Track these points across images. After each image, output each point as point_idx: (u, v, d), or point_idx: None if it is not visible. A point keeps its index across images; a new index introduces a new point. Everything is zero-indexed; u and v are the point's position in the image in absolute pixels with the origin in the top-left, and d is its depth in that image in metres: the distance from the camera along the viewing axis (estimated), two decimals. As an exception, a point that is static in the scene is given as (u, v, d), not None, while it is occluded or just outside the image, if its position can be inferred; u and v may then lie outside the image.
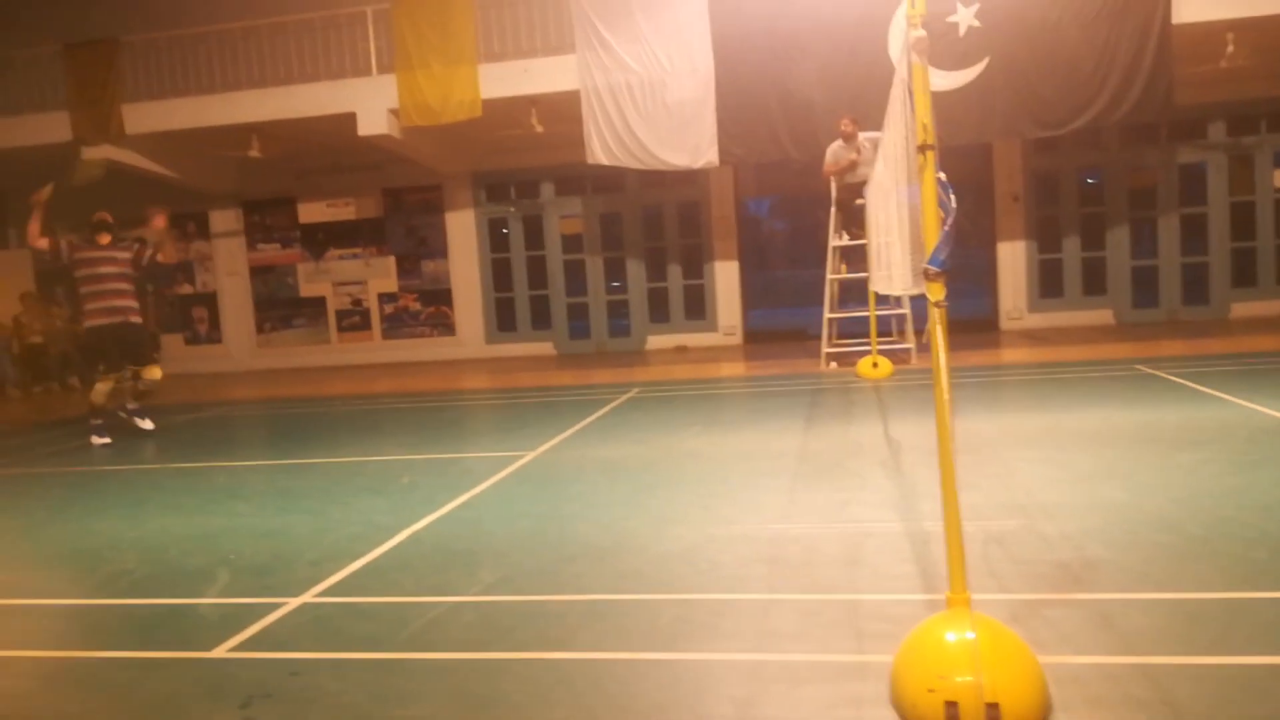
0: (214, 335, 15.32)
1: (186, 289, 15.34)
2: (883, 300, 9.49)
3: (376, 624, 3.23)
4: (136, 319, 8.06)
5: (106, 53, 12.49)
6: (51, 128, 12.55)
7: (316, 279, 14.92)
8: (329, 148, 13.81)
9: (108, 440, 7.87)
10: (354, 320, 14.86)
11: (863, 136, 9.49)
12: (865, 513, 4.23)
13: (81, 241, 8.16)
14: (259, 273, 15.10)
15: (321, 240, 14.86)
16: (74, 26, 13.54)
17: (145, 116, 12.44)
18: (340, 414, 9.14)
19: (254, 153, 12.72)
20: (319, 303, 14.94)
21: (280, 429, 8.86)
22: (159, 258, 8.42)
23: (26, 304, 13.89)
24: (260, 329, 15.18)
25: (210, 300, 15.29)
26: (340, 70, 12.24)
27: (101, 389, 7.97)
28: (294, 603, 3.47)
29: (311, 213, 14.86)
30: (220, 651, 3.04)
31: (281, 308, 15.07)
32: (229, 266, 15.14)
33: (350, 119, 11.84)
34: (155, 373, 8.27)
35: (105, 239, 8.08)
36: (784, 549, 3.75)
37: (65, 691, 2.84)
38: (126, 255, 8.15)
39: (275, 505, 5.27)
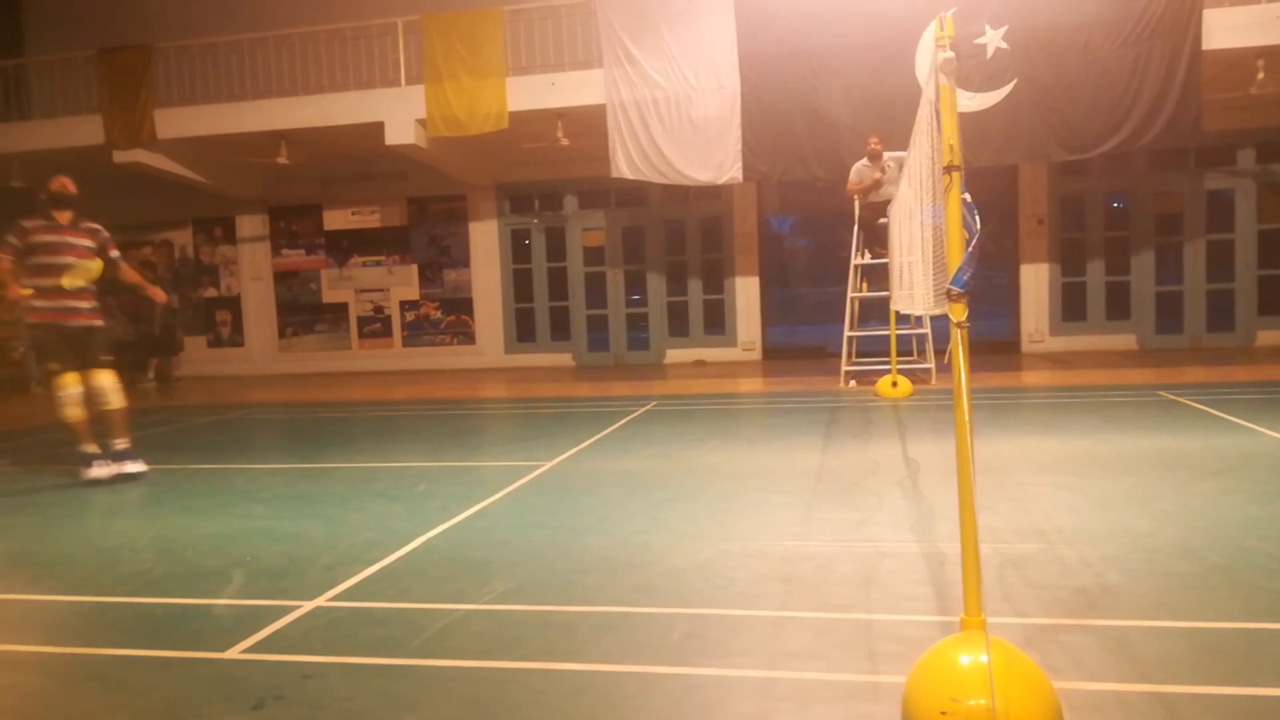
0: (236, 339, 15.46)
1: (211, 292, 15.50)
2: (903, 319, 9.46)
3: (389, 629, 3.24)
4: (97, 321, 6.34)
5: (141, 58, 12.68)
6: (85, 131, 12.74)
7: (339, 285, 15.04)
8: (356, 156, 13.95)
9: (108, 472, 6.22)
10: (375, 327, 14.96)
11: (887, 156, 9.49)
12: (881, 532, 4.20)
13: (38, 219, 6.25)
14: (283, 278, 15.24)
15: (345, 247, 14.99)
16: (109, 32, 13.78)
17: (176, 121, 12.62)
18: (359, 420, 9.19)
19: (282, 160, 12.86)
20: (341, 309, 15.06)
21: (299, 433, 8.92)
22: (150, 294, 6.87)
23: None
24: (282, 333, 15.31)
25: (234, 304, 15.44)
26: (369, 80, 12.41)
27: (69, 396, 6.18)
28: (308, 606, 3.49)
29: (336, 220, 14.99)
30: (234, 653, 3.05)
31: (304, 313, 15.20)
32: (253, 271, 15.29)
33: (378, 128, 11.95)
34: (107, 379, 6.28)
35: (66, 217, 6.33)
36: (798, 566, 3.74)
37: (82, 688, 2.86)
38: (89, 243, 6.36)
39: (292, 509, 5.30)
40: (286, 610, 3.44)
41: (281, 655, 3.02)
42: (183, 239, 15.54)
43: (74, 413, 6.20)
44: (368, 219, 14.92)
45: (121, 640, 3.23)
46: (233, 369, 15.21)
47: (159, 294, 6.98)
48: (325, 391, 12.09)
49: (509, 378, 13.00)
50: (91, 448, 6.25)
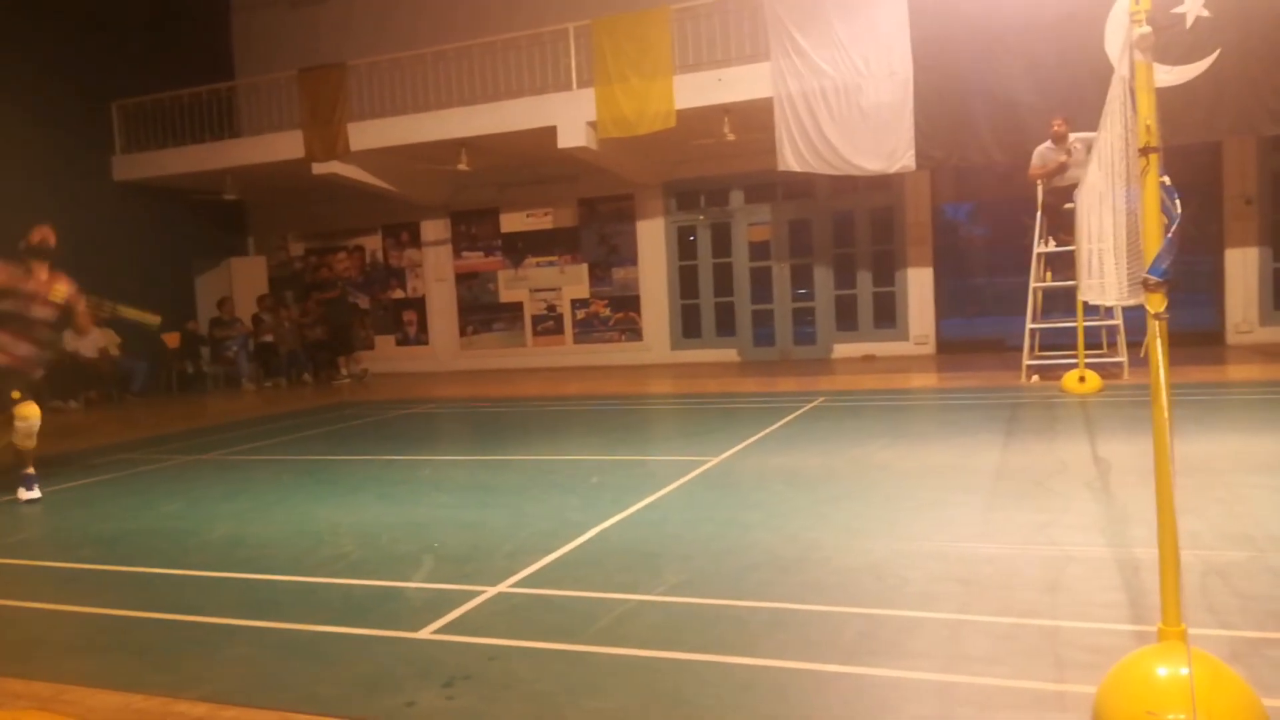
0: (421, 337, 16.33)
1: (399, 294, 16.44)
2: (1091, 310, 8.91)
3: (567, 616, 3.36)
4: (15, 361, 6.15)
5: (336, 76, 13.59)
6: (287, 146, 13.78)
7: (515, 285, 15.63)
8: (530, 160, 14.44)
9: (36, 495, 6.15)
10: (548, 325, 15.45)
11: (1074, 137, 8.97)
12: (1068, 535, 4.00)
13: (16, 266, 6.10)
14: (463, 279, 15.98)
15: (521, 248, 15.55)
16: (308, 52, 14.85)
17: (367, 134, 13.45)
18: (534, 414, 9.53)
19: (462, 166, 13.48)
20: (517, 307, 15.64)
21: (479, 427, 9.34)
22: (76, 325, 6.88)
23: (262, 306, 15.33)
24: (463, 332, 16.05)
25: (419, 304, 16.32)
26: (542, 86, 12.80)
27: (22, 426, 6.12)
28: (491, 591, 3.67)
29: (512, 222, 15.58)
30: (426, 633, 3.26)
31: (483, 312, 15.88)
32: (437, 273, 16.11)
33: (551, 132, 12.33)
34: (29, 411, 6.15)
35: (43, 270, 6.17)
36: (978, 569, 3.62)
37: (293, 661, 3.13)
38: (57, 302, 6.25)
39: (475, 499, 5.58)
40: (472, 595, 3.63)
41: (468, 637, 3.20)
42: (373, 244, 16.55)
43: (29, 444, 6.16)
44: (541, 221, 15.43)
45: (326, 618, 3.51)
46: (418, 365, 16.09)
47: (86, 325, 7.18)
48: (502, 387, 12.61)
49: (675, 373, 13.14)
50: (29, 471, 6.21)
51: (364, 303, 16.54)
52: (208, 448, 8.31)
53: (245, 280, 16.34)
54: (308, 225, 16.84)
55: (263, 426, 9.81)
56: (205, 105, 14.51)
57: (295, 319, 15.44)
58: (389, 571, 4.09)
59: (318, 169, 13.71)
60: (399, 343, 16.51)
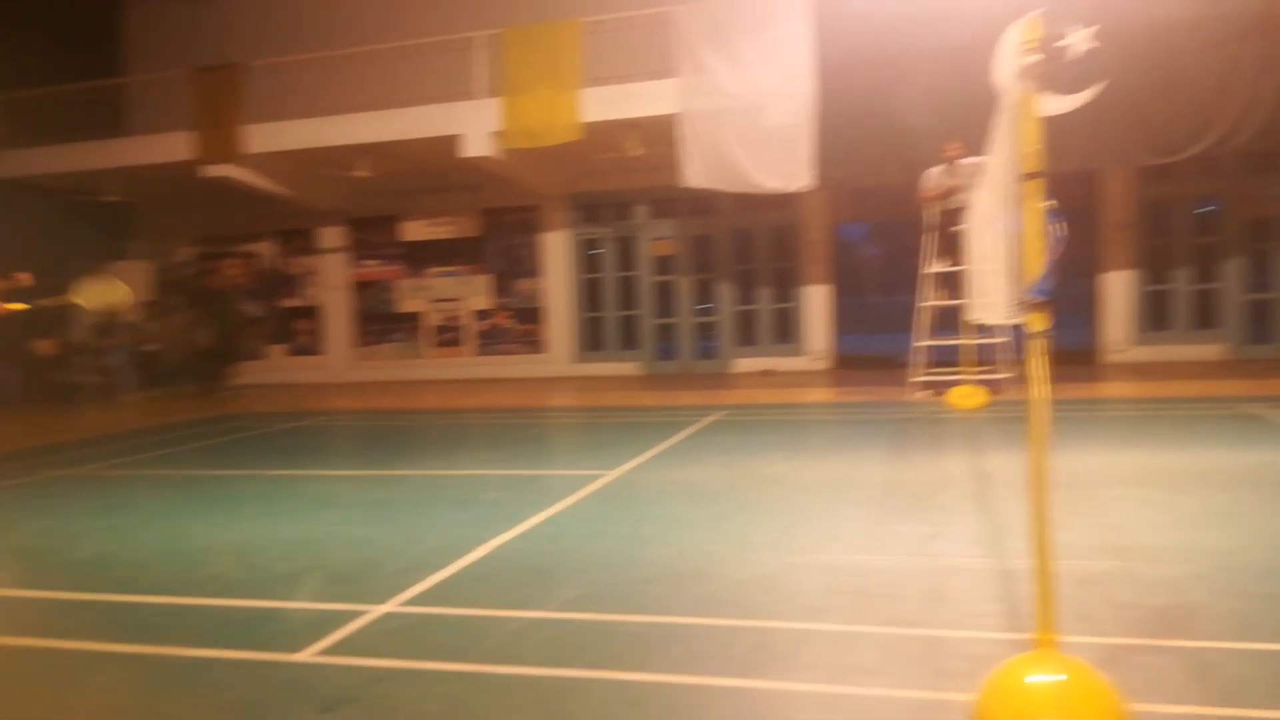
0: (316, 347, 15.88)
1: (293, 302, 15.96)
2: (978, 329, 9.25)
3: (457, 635, 3.29)
4: None
5: (231, 77, 13.15)
6: (178, 147, 13.25)
7: (415, 295, 15.35)
8: (433, 168, 14.22)
9: None
10: (448, 336, 15.21)
11: (963, 162, 9.31)
12: (952, 547, 4.12)
13: None
14: (361, 288, 15.62)
15: (421, 258, 15.29)
16: (202, 50, 14.33)
17: (263, 137, 13.04)
18: (431, 427, 9.35)
19: (362, 173, 13.19)
20: (416, 318, 15.36)
21: (374, 440, 9.12)
22: None
23: (146, 312, 14.67)
24: (360, 342, 15.68)
25: (315, 313, 15.87)
26: (447, 94, 12.62)
27: None
28: (378, 611, 3.56)
29: (413, 231, 15.31)
30: (307, 655, 3.13)
31: (380, 322, 15.54)
32: (333, 281, 15.70)
33: (455, 141, 12.18)
34: None
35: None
36: (866, 581, 3.68)
37: (163, 688, 2.97)
38: None
39: (364, 515, 5.43)
40: (357, 615, 3.52)
41: (353, 659, 3.09)
42: (267, 250, 16.04)
43: None
44: (443, 230, 15.20)
45: (200, 641, 3.34)
46: (312, 376, 15.63)
47: None
48: (399, 399, 12.34)
49: (577, 386, 13.10)
50: None
51: (256, 310, 15.98)
52: (82, 461, 7.87)
53: (129, 285, 15.57)
54: (198, 230, 16.20)
55: (143, 439, 9.37)
56: (89, 102, 13.82)
57: (182, 327, 14.81)
58: (270, 591, 3.93)
59: (209, 171, 13.22)
60: (292, 352, 16.02)
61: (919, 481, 5.59)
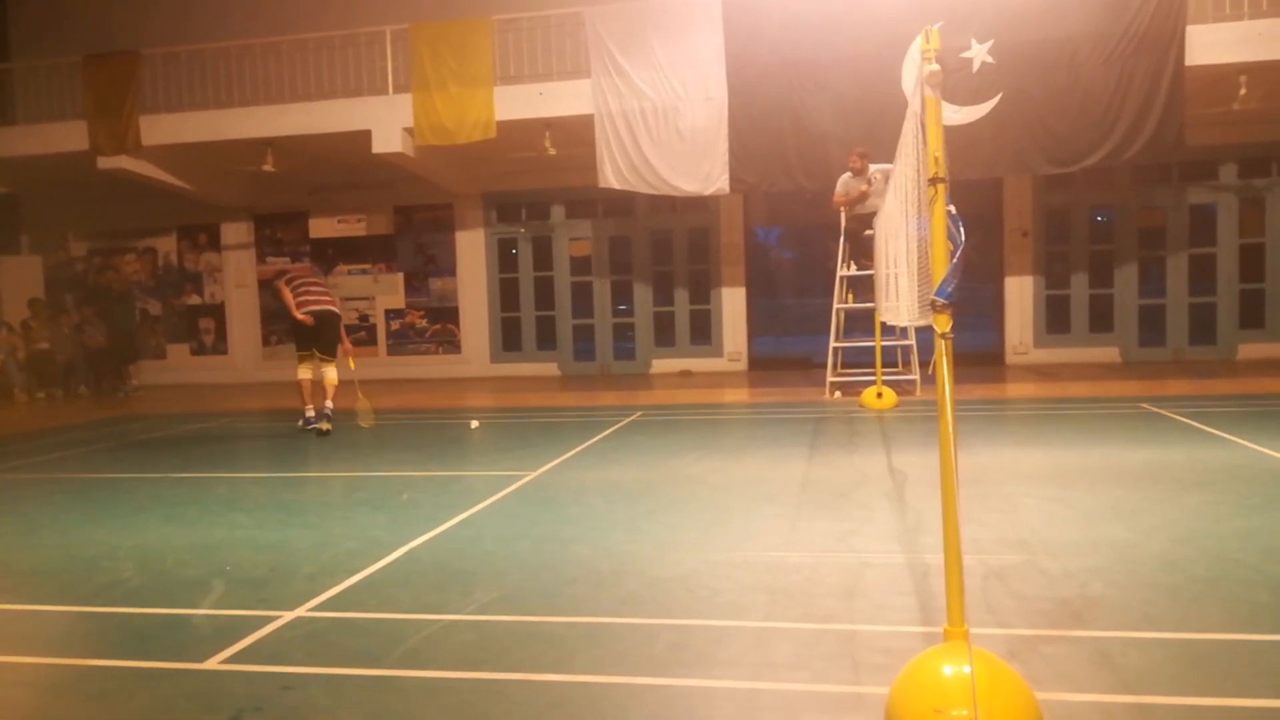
0: (220, 346, 15.36)
1: (195, 300, 15.41)
2: (889, 331, 9.50)
3: (372, 640, 3.21)
4: None
5: (126, 65, 12.62)
6: (69, 137, 12.65)
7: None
8: (343, 164, 13.91)
9: None
10: (360, 335, 14.88)
11: (874, 168, 9.54)
12: (867, 543, 4.21)
13: None
14: (267, 285, 15.15)
15: (331, 255, 14.93)
16: (96, 37, 13.71)
17: (162, 128, 12.55)
18: (342, 428, 9.13)
19: (268, 167, 12.81)
20: (327, 317, 14.96)
21: (282, 441, 8.86)
22: None
23: (35, 310, 13.97)
24: (266, 341, 15.23)
25: (218, 311, 15.35)
26: (357, 88, 12.37)
27: None
28: (289, 616, 3.46)
29: (322, 228, 14.94)
30: (213, 663, 3.02)
31: (288, 320, 15.08)
32: (238, 279, 15.22)
33: (365, 136, 11.93)
34: None
35: None
36: (784, 577, 3.73)
37: (58, 699, 2.83)
38: None
39: (275, 518, 5.26)
40: (267, 620, 3.41)
41: (261, 666, 3.00)
42: (167, 246, 15.44)
43: None
44: (354, 227, 14.87)
45: (100, 651, 3.20)
46: (216, 376, 15.11)
47: None
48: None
49: (494, 387, 12.97)
50: None
51: (155, 308, 15.39)
52: (-35, 466, 7.45)
53: (16, 282, 14.80)
54: (93, 223, 15.49)
55: (34, 442, 8.92)
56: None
57: (73, 325, 14.15)
58: (173, 598, 3.78)
59: (104, 163, 12.65)
60: (194, 352, 15.45)
61: (834, 480, 5.69)
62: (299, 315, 8.76)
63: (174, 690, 2.83)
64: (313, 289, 8.98)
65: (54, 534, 5.06)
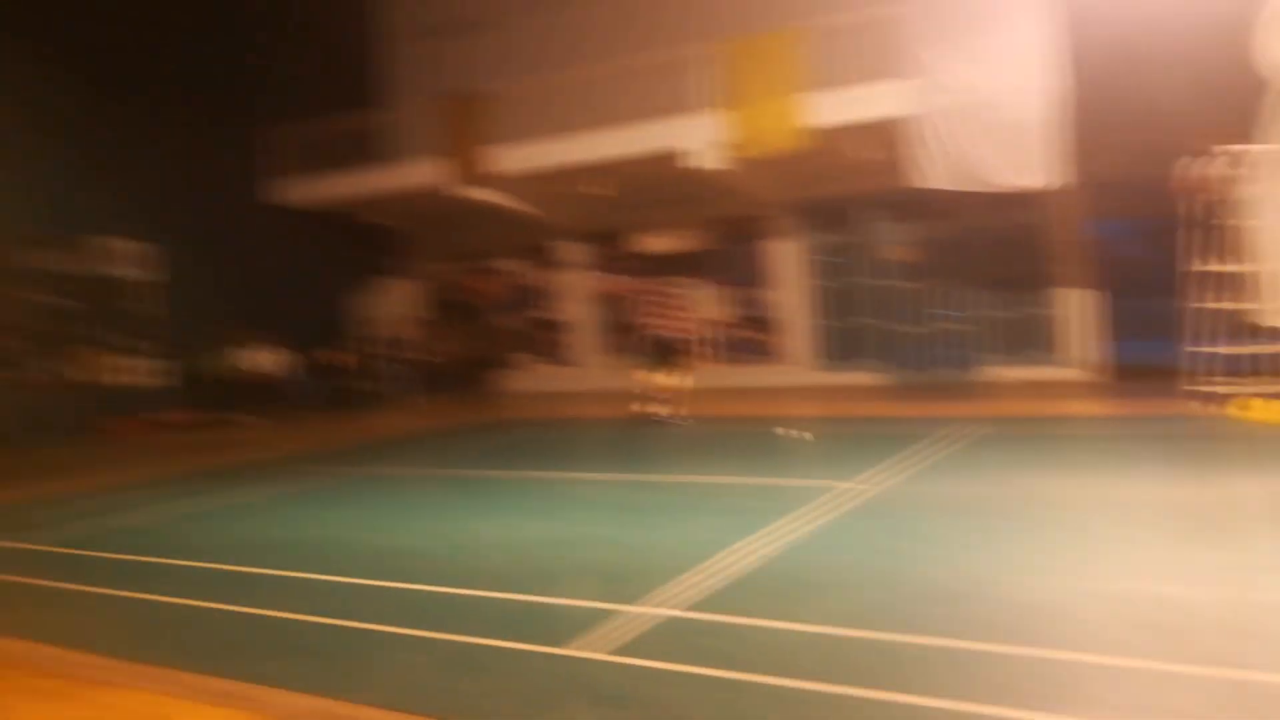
0: (567, 356, 16.61)
1: (543, 314, 16.78)
2: (1268, 334, 8.29)
3: (725, 642, 3.30)
4: None
5: (475, 103, 13.99)
6: (428, 171, 14.22)
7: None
8: (663, 182, 14.47)
9: None
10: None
11: (1238, 149, 8.40)
12: (1259, 578, 3.69)
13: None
14: (603, 300, 16.17)
15: (657, 270, 15.62)
16: (446, 80, 15.36)
17: (505, 159, 13.71)
18: (681, 435, 9.56)
19: (599, 189, 13.62)
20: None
21: (627, 446, 9.33)
22: None
23: (427, 328, 16.06)
24: (606, 351, 16.21)
25: (563, 325, 16.61)
26: (676, 108, 12.77)
27: None
28: (644, 611, 3.65)
29: (644, 244, 15.71)
30: (582, 651, 3.27)
31: (624, 332, 16.00)
32: (578, 294, 16.37)
33: (683, 154, 12.35)
34: None
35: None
36: (1163, 613, 3.36)
37: (454, 672, 3.22)
38: None
39: (632, 519, 5.61)
40: (624, 614, 3.62)
41: (623, 658, 3.19)
42: (517, 266, 16.99)
43: None
44: (676, 242, 15.49)
45: (482, 630, 3.58)
46: (566, 384, 16.29)
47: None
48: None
49: (823, 396, 12.80)
50: None
51: (511, 322, 16.99)
52: (370, 461, 8.69)
53: (395, 302, 17.05)
54: (452, 248, 17.41)
55: (426, 443, 10.17)
56: (353, 133, 15.09)
57: (456, 339, 16.16)
58: (538, 587, 4.14)
59: (458, 193, 14.09)
60: (545, 362, 16.81)
61: (1212, 504, 5.06)
62: (648, 334, 9.92)
63: (551, 672, 3.11)
64: (661, 310, 10.09)
65: (438, 523, 5.75)
